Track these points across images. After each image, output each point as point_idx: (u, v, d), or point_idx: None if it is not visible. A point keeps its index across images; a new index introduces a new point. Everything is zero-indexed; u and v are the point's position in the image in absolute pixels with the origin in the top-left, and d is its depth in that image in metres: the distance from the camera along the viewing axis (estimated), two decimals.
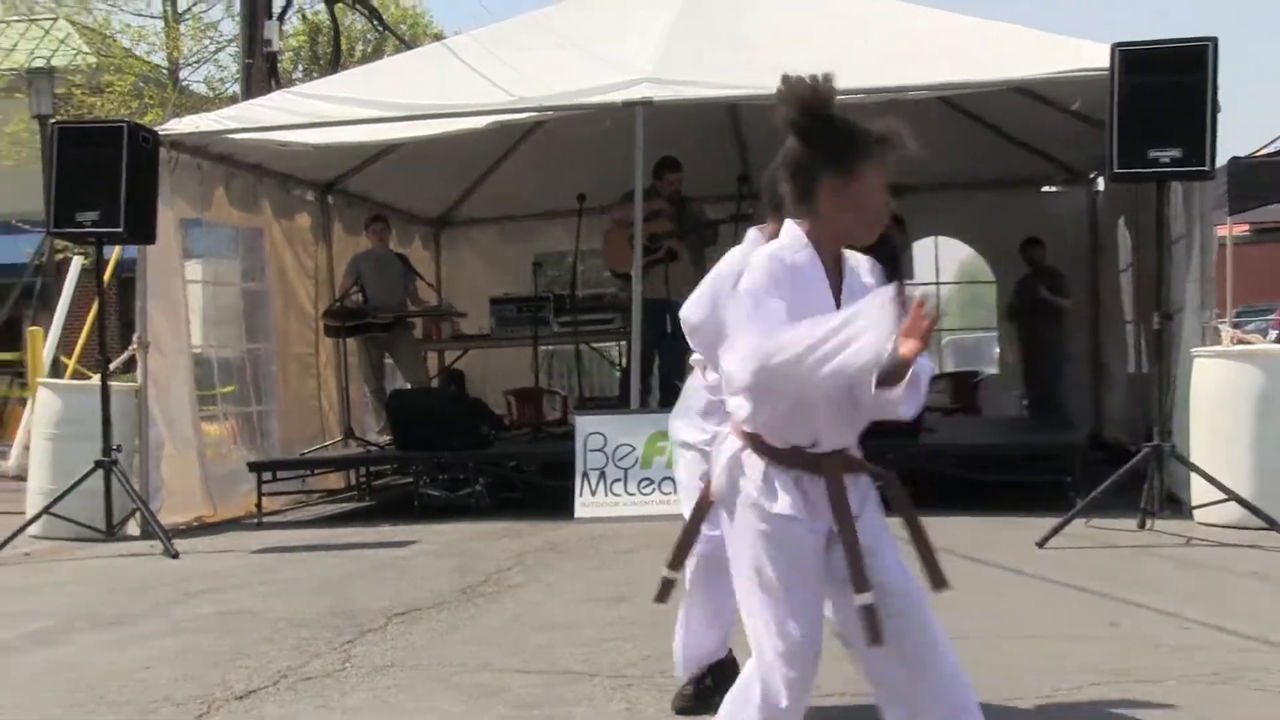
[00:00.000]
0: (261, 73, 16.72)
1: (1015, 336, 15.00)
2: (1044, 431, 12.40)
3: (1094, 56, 9.19)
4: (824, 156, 3.36)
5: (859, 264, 3.42)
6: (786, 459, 3.32)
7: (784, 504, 3.31)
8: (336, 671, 5.36)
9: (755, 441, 3.33)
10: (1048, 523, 8.09)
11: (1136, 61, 8.39)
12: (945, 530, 8.58)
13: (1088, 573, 7.07)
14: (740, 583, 3.35)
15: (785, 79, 3.39)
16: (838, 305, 3.27)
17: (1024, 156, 14.34)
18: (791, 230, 3.34)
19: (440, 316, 13.86)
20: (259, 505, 10.73)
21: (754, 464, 3.33)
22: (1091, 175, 14.56)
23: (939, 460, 10.41)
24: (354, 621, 6.34)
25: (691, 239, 11.82)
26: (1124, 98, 8.32)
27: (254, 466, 11.05)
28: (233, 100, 19.84)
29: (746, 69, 10.14)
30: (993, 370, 17.50)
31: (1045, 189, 15.68)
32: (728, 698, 3.38)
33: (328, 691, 5.05)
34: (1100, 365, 14.17)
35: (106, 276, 10.34)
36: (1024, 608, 6.30)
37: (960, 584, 7.08)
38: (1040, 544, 7.93)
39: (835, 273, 3.34)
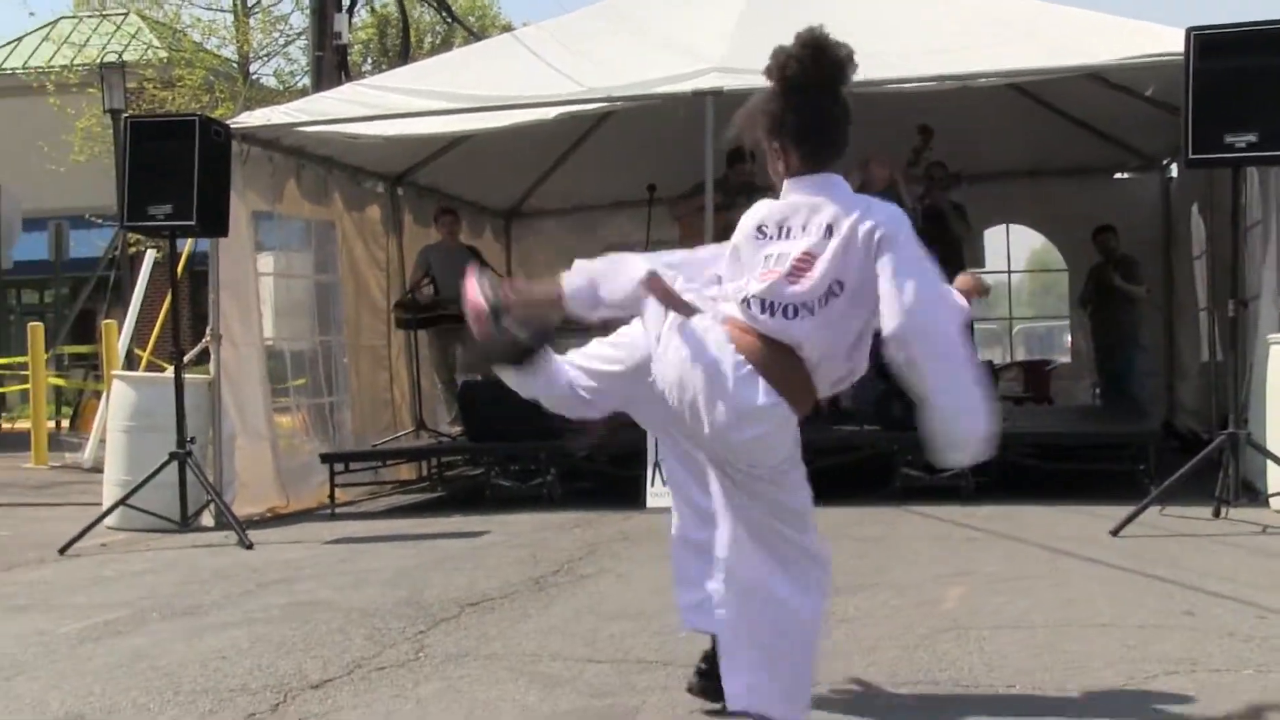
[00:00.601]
0: (331, 65, 16.82)
1: (1088, 325, 14.86)
2: (1117, 420, 12.28)
3: (1168, 41, 9.08)
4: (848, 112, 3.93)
5: None
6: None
7: None
8: (410, 661, 5.40)
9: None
10: (1121, 511, 8.02)
11: (1212, 45, 8.27)
12: (1018, 518, 8.58)
13: (1162, 561, 7.00)
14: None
15: (822, 38, 3.96)
16: None
17: (1096, 143, 14.20)
18: None
19: None
20: (331, 496, 10.81)
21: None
22: (1165, 161, 14.40)
23: (1011, 449, 10.34)
24: (427, 611, 6.37)
25: None
26: (1199, 82, 8.21)
27: (326, 458, 11.13)
28: (303, 93, 20.00)
29: None
30: (1064, 359, 17.37)
31: (1118, 175, 15.53)
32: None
33: (401, 681, 5.08)
34: (1174, 353, 14.03)
35: (179, 269, 10.43)
36: (1097, 596, 6.24)
37: (1032, 572, 7.09)
38: (1114, 532, 7.86)
39: None
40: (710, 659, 4.38)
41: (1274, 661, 4.87)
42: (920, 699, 4.58)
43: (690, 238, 11.69)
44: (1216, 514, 8.34)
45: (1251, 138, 8.14)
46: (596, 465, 11.19)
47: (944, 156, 12.21)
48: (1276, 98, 8.12)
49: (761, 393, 3.71)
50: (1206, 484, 8.37)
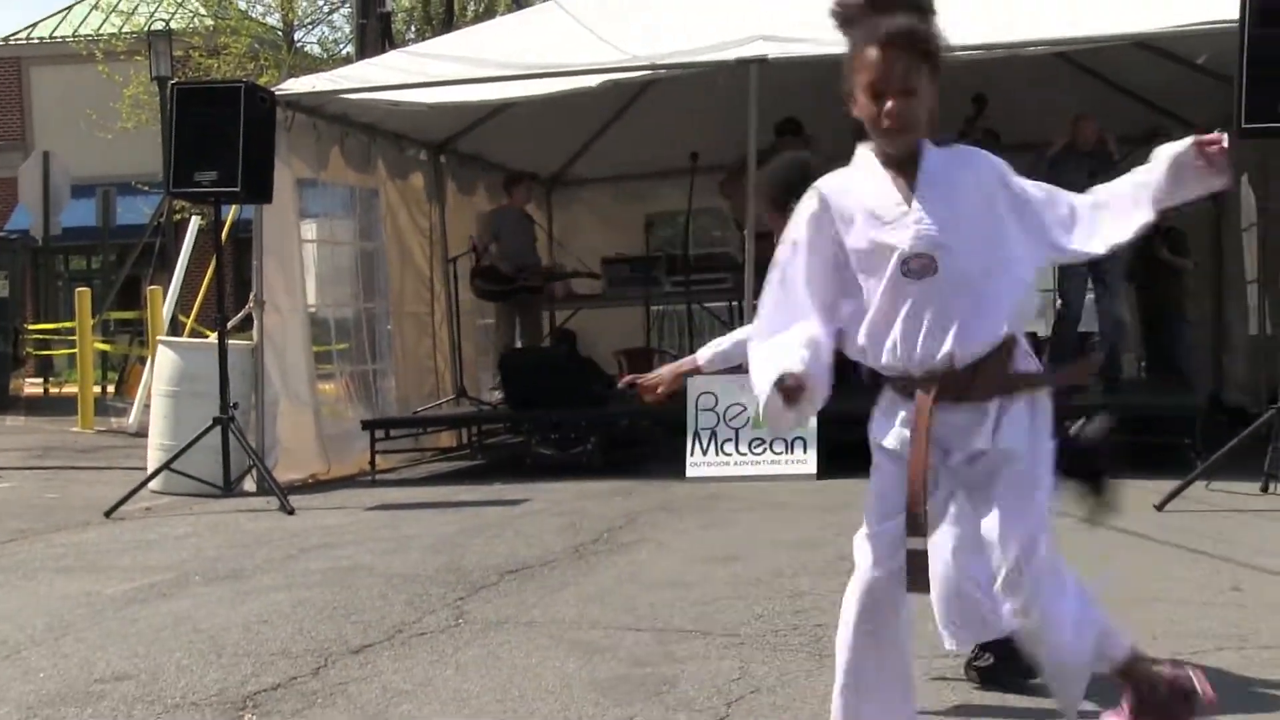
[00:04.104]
0: (375, 33, 16.85)
1: (1133, 298, 14.70)
2: (1163, 393, 12.16)
3: (1222, 7, 8.94)
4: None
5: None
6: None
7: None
8: (450, 627, 5.40)
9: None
10: (1167, 485, 7.93)
11: (1269, 11, 8.13)
12: (1059, 491, 8.48)
13: (1209, 536, 6.93)
14: None
15: None
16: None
17: (1143, 113, 14.02)
18: None
19: (592, 277, 13.86)
20: (372, 463, 10.84)
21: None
22: (1215, 131, 14.20)
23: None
24: (467, 578, 6.38)
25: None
26: (1254, 50, 8.07)
27: (368, 424, 11.16)
28: (347, 61, 20.01)
29: None
30: None
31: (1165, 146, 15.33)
32: None
33: (441, 647, 5.08)
34: (1222, 327, 13.87)
35: (223, 236, 10.46)
36: (1143, 571, 6.18)
37: (1077, 547, 6.98)
38: (1159, 507, 7.77)
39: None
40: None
41: None
42: (960, 670, 4.55)
43: (741, 211, 11.65)
44: (1264, 489, 8.25)
45: None
46: (637, 434, 11.20)
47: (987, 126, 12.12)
48: None
49: None
50: (1255, 459, 8.27)
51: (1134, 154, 11.78)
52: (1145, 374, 14.31)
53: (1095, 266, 11.22)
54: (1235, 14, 8.26)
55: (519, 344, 13.31)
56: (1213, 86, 11.00)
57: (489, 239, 12.80)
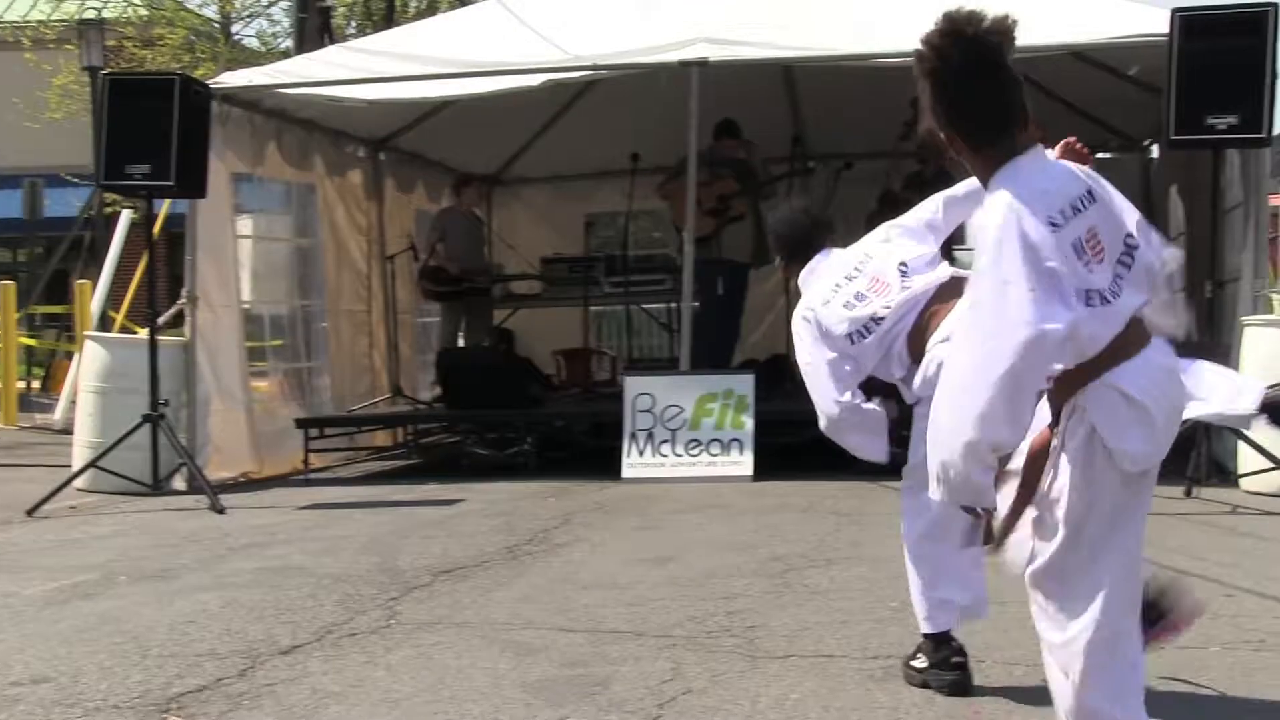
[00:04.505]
0: (314, 27, 16.75)
1: None
2: None
3: (1153, 21, 9.07)
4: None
5: None
6: None
7: None
8: (381, 628, 5.38)
9: None
10: None
11: (1196, 26, 8.28)
12: None
13: None
14: None
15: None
16: None
17: (1075, 122, 14.12)
18: None
19: (538, 279, 13.84)
20: (306, 462, 10.76)
21: None
22: (1145, 142, 14.39)
23: None
24: (399, 579, 6.36)
25: (754, 197, 11.75)
26: (1183, 63, 8.23)
27: (301, 423, 11.08)
28: (285, 55, 19.85)
29: (802, 30, 10.05)
30: None
31: (1098, 155, 15.48)
32: None
33: (372, 647, 5.06)
34: None
35: (156, 230, 10.36)
36: None
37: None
38: None
39: None
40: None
41: (1242, 639, 4.90)
42: (891, 671, 4.59)
43: (680, 214, 11.67)
44: (1188, 493, 8.35)
45: (1233, 120, 8.16)
46: (574, 435, 11.19)
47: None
48: (1259, 80, 8.13)
49: None
50: (1178, 463, 8.37)
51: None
52: None
53: None
54: (1165, 28, 8.39)
55: (461, 343, 13.27)
56: (1144, 98, 11.14)
57: (436, 239, 12.75)
